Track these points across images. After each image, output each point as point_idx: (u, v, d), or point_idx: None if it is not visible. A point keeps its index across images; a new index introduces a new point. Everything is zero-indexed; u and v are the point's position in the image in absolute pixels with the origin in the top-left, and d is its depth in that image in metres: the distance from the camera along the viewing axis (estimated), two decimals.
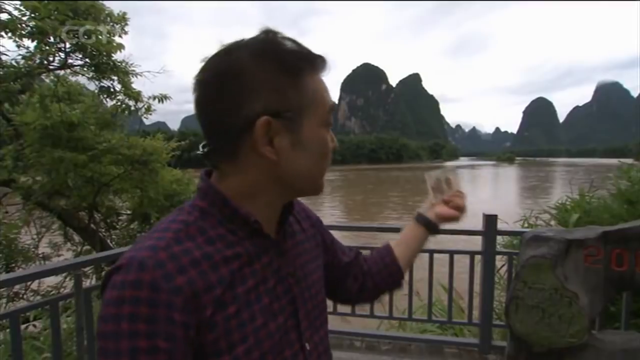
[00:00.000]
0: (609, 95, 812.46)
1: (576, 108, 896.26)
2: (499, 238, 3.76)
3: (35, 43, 3.56)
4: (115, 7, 4.23)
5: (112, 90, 4.40)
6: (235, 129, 0.48)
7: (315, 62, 0.52)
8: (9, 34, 3.39)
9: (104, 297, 0.43)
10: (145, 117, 5.18)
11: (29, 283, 4.38)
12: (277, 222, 0.58)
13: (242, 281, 0.49)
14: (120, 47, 4.07)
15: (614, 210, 3.21)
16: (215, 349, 0.45)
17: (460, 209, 0.82)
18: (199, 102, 0.51)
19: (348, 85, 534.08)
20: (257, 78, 0.48)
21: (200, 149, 0.55)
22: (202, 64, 0.51)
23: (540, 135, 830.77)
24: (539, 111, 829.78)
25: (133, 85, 4.50)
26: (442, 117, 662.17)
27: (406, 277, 2.65)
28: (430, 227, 0.82)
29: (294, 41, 0.51)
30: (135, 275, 0.41)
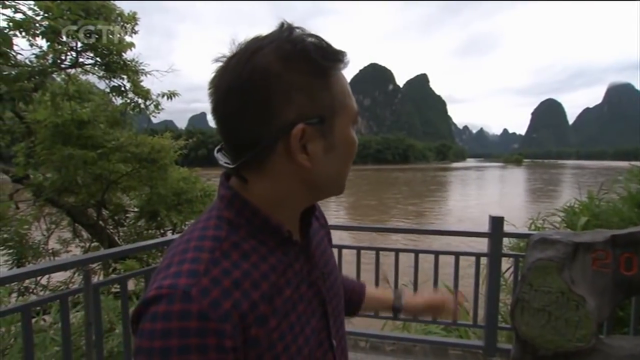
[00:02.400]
0: (621, 96, 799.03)
1: (586, 109, 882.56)
2: (506, 240, 3.75)
3: (48, 42, 3.63)
4: (125, 7, 4.29)
5: (122, 88, 4.45)
6: (268, 140, 0.45)
7: (341, 59, 0.48)
8: (23, 34, 3.46)
9: (142, 328, 0.40)
10: (153, 116, 5.23)
11: (38, 278, 4.46)
12: (299, 225, 0.57)
13: (279, 293, 0.48)
14: (131, 45, 4.12)
15: (623, 214, 3.17)
16: None
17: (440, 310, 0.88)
18: (222, 111, 0.47)
19: (355, 85, 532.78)
20: (287, 82, 0.44)
21: (215, 154, 0.52)
22: (219, 67, 0.47)
23: (549, 137, 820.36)
24: (548, 113, 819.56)
25: (142, 84, 4.55)
26: (449, 118, 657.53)
27: (411, 277, 2.61)
28: (396, 309, 0.87)
29: (316, 37, 0.47)
30: (180, 306, 0.39)
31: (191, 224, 0.51)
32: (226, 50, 0.48)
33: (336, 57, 0.48)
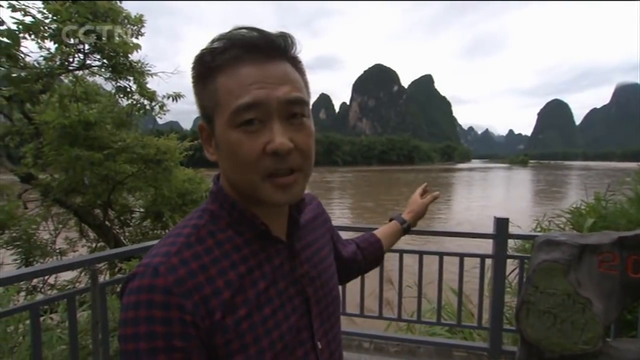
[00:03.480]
0: (629, 97, 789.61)
1: (594, 110, 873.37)
2: (511, 242, 3.73)
3: (56, 45, 3.68)
4: (132, 8, 4.33)
5: (128, 90, 4.50)
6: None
7: (228, 58, 0.48)
8: (32, 36, 3.51)
9: (122, 302, 0.45)
10: (158, 117, 5.27)
11: (46, 277, 4.51)
12: (287, 224, 0.58)
13: (253, 284, 0.50)
14: (137, 47, 4.17)
15: (631, 216, 3.13)
16: (227, 351, 0.46)
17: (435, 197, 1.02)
18: None
19: (360, 86, 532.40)
20: (194, 84, 0.52)
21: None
22: None
23: (555, 138, 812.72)
24: (554, 113, 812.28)
25: (148, 86, 4.60)
26: (454, 119, 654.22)
27: (415, 279, 2.59)
28: (406, 226, 0.99)
29: (220, 39, 0.49)
30: (149, 281, 0.44)
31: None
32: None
33: (223, 58, 0.48)
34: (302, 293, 0.56)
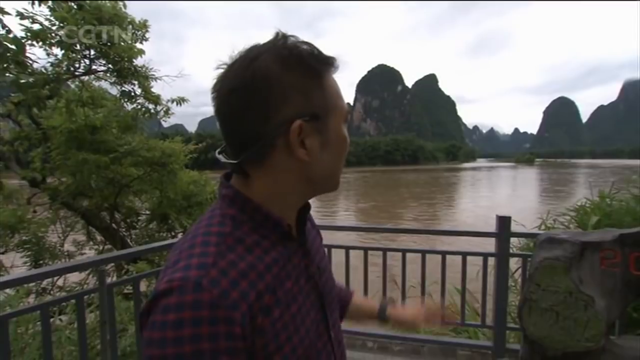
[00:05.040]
0: (637, 93, 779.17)
1: (601, 107, 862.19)
2: (516, 241, 3.72)
3: (62, 51, 3.76)
4: (138, 9, 4.39)
5: (132, 94, 4.57)
6: (269, 135, 0.49)
7: (331, 63, 0.53)
8: (40, 43, 3.59)
9: (152, 320, 0.42)
10: (163, 120, 5.34)
11: (55, 279, 4.59)
12: (296, 223, 0.60)
13: (281, 285, 0.51)
14: (141, 52, 4.23)
15: (636, 213, 3.12)
16: (265, 353, 0.46)
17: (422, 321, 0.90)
18: (225, 112, 0.51)
19: (363, 86, 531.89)
20: (285, 83, 0.48)
21: (217, 155, 0.56)
22: (222, 72, 0.51)
23: (561, 136, 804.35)
24: (560, 111, 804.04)
25: (152, 89, 4.66)
26: (459, 118, 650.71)
27: (418, 278, 2.61)
28: (381, 316, 0.88)
29: (308, 44, 0.52)
30: (192, 296, 0.41)
31: (194, 224, 0.54)
32: (229, 56, 0.52)
33: (327, 61, 0.53)
34: (316, 288, 0.59)
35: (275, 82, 0.48)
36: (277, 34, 0.52)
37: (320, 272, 0.62)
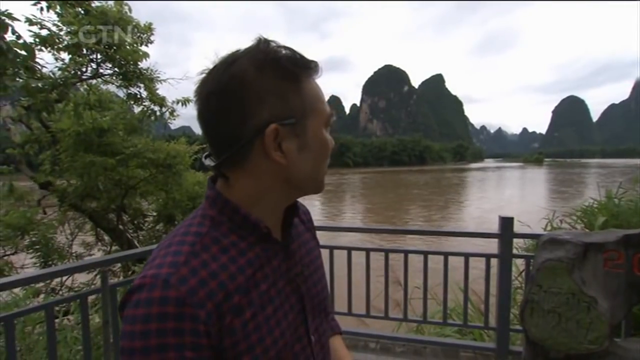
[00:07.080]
0: None
1: (612, 106, 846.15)
2: (521, 241, 3.67)
3: (70, 55, 3.84)
4: (144, 14, 4.47)
5: (138, 96, 4.63)
6: (246, 138, 0.49)
7: (310, 67, 0.53)
8: (48, 48, 3.67)
9: (125, 314, 0.44)
10: (170, 122, 5.40)
11: (64, 280, 4.67)
12: (281, 225, 0.60)
13: (256, 286, 0.51)
14: (146, 55, 4.29)
15: None
16: (235, 353, 0.47)
17: None
18: (205, 115, 0.51)
19: (369, 87, 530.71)
20: (261, 87, 0.49)
21: (204, 159, 0.56)
22: (202, 77, 0.52)
23: (571, 135, 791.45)
24: (569, 110, 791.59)
25: (158, 92, 4.73)
26: (466, 118, 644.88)
27: (421, 280, 2.59)
28: None
29: (288, 48, 0.52)
30: (160, 293, 0.43)
31: (180, 223, 0.56)
32: (212, 61, 0.53)
33: (306, 65, 0.53)
34: (297, 291, 0.59)
35: (250, 86, 0.49)
36: (259, 39, 0.52)
37: (306, 275, 0.62)
